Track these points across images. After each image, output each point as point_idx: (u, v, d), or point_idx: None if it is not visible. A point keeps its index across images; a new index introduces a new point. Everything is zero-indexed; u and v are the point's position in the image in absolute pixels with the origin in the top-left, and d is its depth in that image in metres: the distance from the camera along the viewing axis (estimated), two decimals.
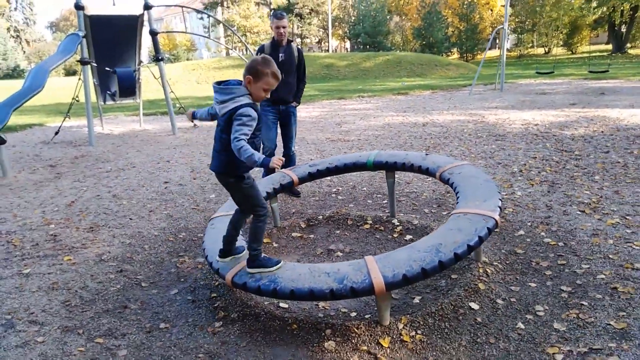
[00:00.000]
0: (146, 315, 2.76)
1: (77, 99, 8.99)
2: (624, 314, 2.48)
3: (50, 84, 9.32)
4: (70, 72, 47.77)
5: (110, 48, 9.25)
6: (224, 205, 3.65)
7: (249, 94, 2.43)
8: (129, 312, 2.79)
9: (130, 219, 4.47)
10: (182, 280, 3.21)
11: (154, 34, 9.45)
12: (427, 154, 3.87)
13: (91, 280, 3.21)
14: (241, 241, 2.87)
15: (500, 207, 2.83)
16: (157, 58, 9.66)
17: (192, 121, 3.05)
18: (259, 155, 2.34)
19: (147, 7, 9.22)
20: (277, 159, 2.36)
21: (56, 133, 9.19)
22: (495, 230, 2.76)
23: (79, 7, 8.31)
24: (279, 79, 2.49)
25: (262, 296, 2.69)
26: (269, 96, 2.52)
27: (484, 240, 2.60)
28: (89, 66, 8.68)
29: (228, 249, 2.76)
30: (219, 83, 2.47)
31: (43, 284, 3.14)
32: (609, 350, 2.19)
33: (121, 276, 3.27)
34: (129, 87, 9.28)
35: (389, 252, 2.59)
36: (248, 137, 2.37)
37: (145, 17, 9.41)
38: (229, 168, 2.51)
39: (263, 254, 2.63)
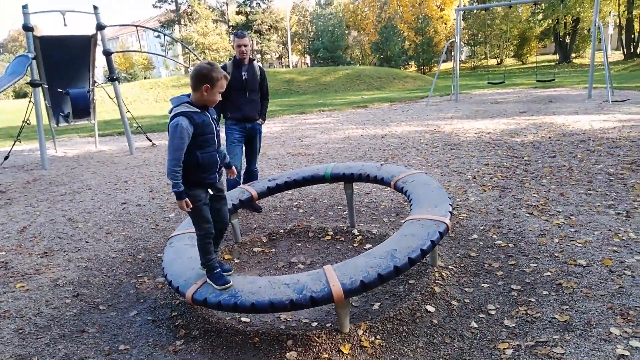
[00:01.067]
0: (105, 338, 2.71)
1: (28, 121, 8.70)
2: (567, 307, 2.63)
3: None
4: (20, 95, 46.03)
5: (63, 69, 9.04)
6: (182, 223, 3.63)
7: (189, 102, 2.47)
8: (86, 336, 2.73)
9: (87, 242, 4.36)
10: (142, 300, 3.16)
11: (107, 54, 9.31)
12: (382, 165, 3.99)
13: (46, 306, 3.12)
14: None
15: (451, 212, 2.95)
16: (111, 78, 9.50)
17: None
18: (179, 187, 2.43)
19: (100, 27, 9.09)
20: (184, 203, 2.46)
21: (6, 158, 8.85)
22: (448, 234, 2.87)
23: (27, 28, 8.11)
24: (228, 79, 2.54)
25: (223, 311, 2.70)
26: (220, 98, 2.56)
27: (437, 244, 2.72)
28: (40, 88, 8.45)
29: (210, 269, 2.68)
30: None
31: None
32: (553, 342, 2.32)
33: (78, 300, 3.19)
34: (83, 108, 9.07)
35: (347, 260, 2.66)
36: (182, 151, 2.39)
37: (99, 37, 9.27)
38: (184, 185, 2.51)
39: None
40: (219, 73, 2.47)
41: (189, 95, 2.51)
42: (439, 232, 2.72)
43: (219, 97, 2.52)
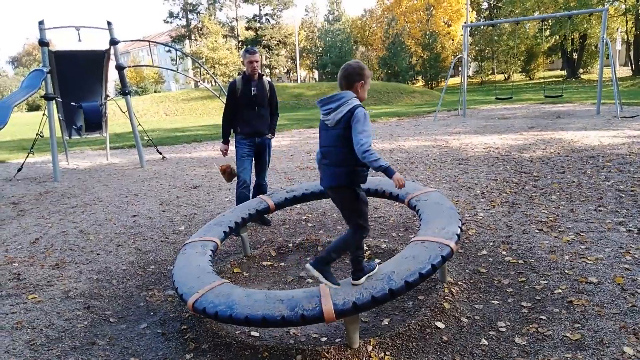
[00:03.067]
0: (115, 350, 2.72)
1: (41, 134, 8.85)
2: (579, 325, 2.61)
3: (12, 120, 9.14)
4: (33, 107, 46.82)
5: (76, 83, 9.21)
6: (198, 231, 3.67)
7: (356, 97, 2.54)
8: (97, 349, 2.75)
9: (98, 254, 4.40)
10: (152, 313, 3.18)
11: (120, 68, 9.47)
12: None
13: (57, 317, 3.15)
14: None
15: (458, 235, 2.89)
16: (124, 92, 9.65)
17: None
18: (384, 161, 2.40)
19: (114, 42, 9.27)
20: (400, 178, 2.45)
21: (19, 170, 8.98)
22: (455, 254, 2.82)
23: (43, 43, 8.29)
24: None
25: (219, 321, 2.69)
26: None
27: (438, 268, 2.62)
28: (53, 101, 8.61)
29: (360, 268, 2.62)
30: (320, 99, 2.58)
31: (6, 324, 3.06)
32: None
33: (88, 312, 3.22)
34: (96, 122, 9.21)
35: (345, 279, 2.67)
36: (370, 139, 2.41)
37: (112, 52, 9.45)
38: (349, 181, 2.51)
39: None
40: (368, 71, 2.60)
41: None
42: (442, 255, 2.65)
43: (366, 95, 2.61)
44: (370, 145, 2.37)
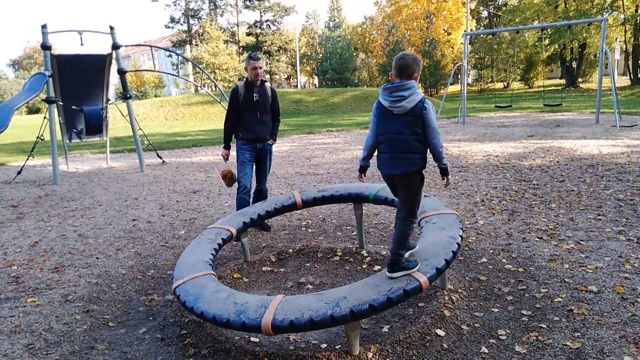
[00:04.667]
0: (114, 355, 2.71)
1: (42, 137, 8.85)
2: (579, 334, 2.62)
3: (13, 123, 9.15)
4: (33, 110, 46.85)
5: (78, 86, 9.23)
6: (222, 218, 3.92)
7: None
8: (95, 353, 2.74)
9: (97, 258, 4.40)
10: (151, 318, 3.18)
11: (122, 72, 9.50)
12: (426, 196, 3.63)
13: (56, 321, 3.14)
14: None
15: (439, 269, 2.64)
16: (125, 96, 9.67)
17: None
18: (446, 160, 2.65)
19: (116, 47, 9.30)
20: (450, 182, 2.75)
21: (19, 172, 8.98)
22: (418, 294, 2.57)
23: (45, 47, 8.32)
24: None
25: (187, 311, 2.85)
26: None
27: (395, 304, 2.48)
28: (54, 105, 8.62)
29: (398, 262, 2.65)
30: (385, 86, 2.65)
31: (4, 328, 3.05)
32: None
33: (88, 316, 3.21)
34: (96, 125, 9.21)
35: (300, 295, 2.72)
36: None
37: (114, 56, 9.48)
38: (421, 166, 2.62)
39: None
40: (421, 62, 2.70)
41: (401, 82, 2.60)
42: (405, 289, 2.46)
43: None
44: (442, 145, 2.62)
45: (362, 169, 2.95)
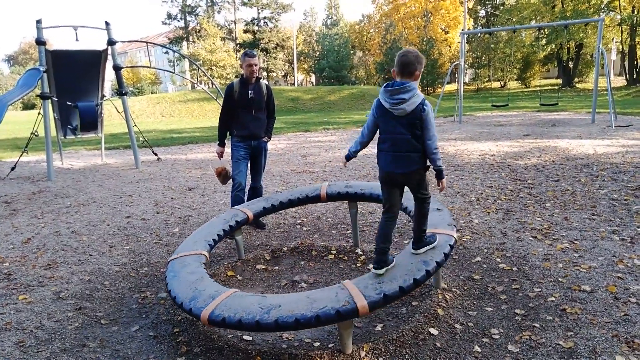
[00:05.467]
0: (106, 353, 2.70)
1: (36, 133, 8.80)
2: (572, 333, 2.62)
3: (7, 118, 9.09)
4: (28, 106, 46.58)
5: (73, 82, 9.16)
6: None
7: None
8: (87, 351, 2.72)
9: (90, 255, 4.37)
10: (144, 316, 3.16)
11: (117, 68, 9.45)
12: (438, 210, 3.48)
13: (48, 319, 3.11)
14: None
15: (387, 296, 2.45)
16: (120, 92, 9.62)
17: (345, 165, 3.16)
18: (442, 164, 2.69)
19: (111, 42, 9.25)
20: (445, 185, 2.80)
21: (12, 168, 8.92)
22: (356, 317, 2.42)
23: (40, 42, 8.26)
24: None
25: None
26: None
27: (324, 323, 2.39)
28: (49, 100, 8.57)
29: (385, 259, 2.72)
30: (385, 86, 2.65)
31: None
32: None
33: (80, 314, 3.18)
34: (91, 122, 9.16)
35: (249, 294, 2.71)
36: None
37: (109, 52, 9.42)
38: (423, 165, 2.69)
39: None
40: (423, 59, 2.71)
41: (402, 83, 2.60)
42: (338, 310, 2.33)
43: None
44: (437, 145, 2.67)
45: (349, 158, 3.07)
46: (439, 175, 2.71)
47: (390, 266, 2.71)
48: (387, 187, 2.83)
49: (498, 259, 3.78)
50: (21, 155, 9.33)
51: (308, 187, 4.34)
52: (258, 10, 48.38)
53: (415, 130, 2.61)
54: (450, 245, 2.89)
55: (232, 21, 49.00)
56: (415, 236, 2.86)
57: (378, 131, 2.81)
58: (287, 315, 2.34)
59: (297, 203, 4.20)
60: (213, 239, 3.50)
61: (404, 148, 2.64)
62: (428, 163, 2.72)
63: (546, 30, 32.68)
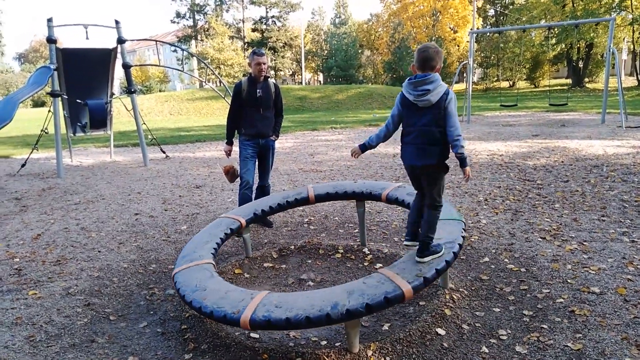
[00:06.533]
0: (114, 349, 2.72)
1: (46, 130, 8.88)
2: (580, 335, 2.60)
3: (17, 116, 9.18)
4: (38, 104, 47.00)
5: (82, 80, 9.23)
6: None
7: None
8: (96, 347, 2.74)
9: (99, 251, 4.41)
10: (152, 312, 3.18)
11: (127, 67, 9.50)
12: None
13: (57, 314, 3.15)
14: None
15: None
16: (129, 90, 9.68)
17: (359, 155, 3.02)
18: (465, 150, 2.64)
19: (121, 41, 9.30)
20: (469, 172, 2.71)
21: (23, 165, 9.01)
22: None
23: (51, 40, 8.33)
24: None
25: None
26: None
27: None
28: (59, 98, 8.64)
29: (415, 231, 2.90)
30: (409, 79, 2.66)
31: (6, 320, 3.06)
32: None
33: (89, 310, 3.21)
34: (100, 119, 9.23)
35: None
36: None
37: (119, 51, 9.48)
38: (443, 158, 2.67)
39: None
40: (441, 51, 2.69)
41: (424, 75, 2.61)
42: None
43: None
44: (461, 134, 2.61)
45: (365, 149, 2.95)
46: (462, 162, 2.66)
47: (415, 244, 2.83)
48: (412, 180, 2.89)
49: (506, 260, 3.76)
50: (31, 152, 9.41)
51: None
52: (266, 9, 48.46)
53: (439, 121, 2.60)
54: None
55: (240, 20, 49.14)
56: (420, 243, 2.77)
57: (402, 125, 2.80)
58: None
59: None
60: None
61: (427, 140, 2.64)
62: (447, 161, 2.70)
63: (556, 29, 32.39)
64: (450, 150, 2.69)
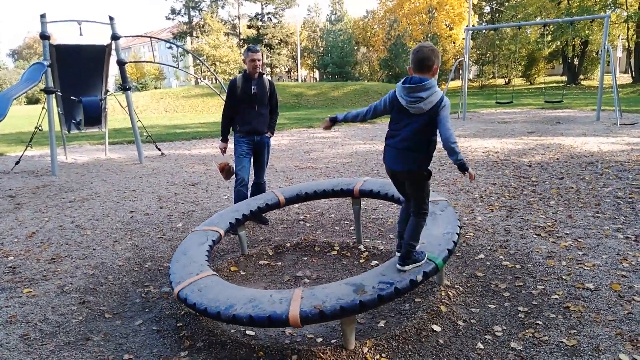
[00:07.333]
0: (109, 347, 2.71)
1: (40, 127, 8.82)
2: (575, 331, 2.61)
3: (11, 113, 9.12)
4: (32, 101, 46.70)
5: (77, 77, 9.17)
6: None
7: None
8: (91, 344, 2.73)
9: (94, 249, 4.39)
10: (147, 310, 3.17)
11: (121, 63, 9.45)
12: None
13: (52, 312, 3.13)
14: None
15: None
16: (124, 87, 9.63)
17: (329, 128, 2.94)
18: (463, 155, 2.51)
19: (115, 37, 9.24)
20: (473, 174, 2.56)
21: (17, 163, 8.95)
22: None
23: (44, 36, 8.27)
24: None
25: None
26: None
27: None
28: (53, 95, 8.58)
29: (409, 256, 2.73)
30: (403, 82, 2.53)
31: (0, 318, 3.04)
32: None
33: (84, 308, 3.20)
34: (95, 116, 9.18)
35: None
36: None
37: (113, 47, 9.42)
38: (424, 165, 2.59)
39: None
40: (439, 53, 2.57)
41: (420, 79, 2.50)
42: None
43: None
44: (455, 139, 2.49)
45: (334, 121, 2.89)
46: (462, 167, 2.53)
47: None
48: (396, 185, 2.83)
49: (501, 257, 3.77)
50: (25, 150, 9.36)
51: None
52: (262, 5, 48.24)
53: (428, 127, 2.50)
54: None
55: (235, 16, 48.90)
56: (403, 251, 2.65)
57: (388, 124, 2.69)
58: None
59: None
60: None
61: (412, 146, 2.54)
62: (430, 167, 2.62)
63: (551, 26, 32.46)
64: (431, 156, 2.62)
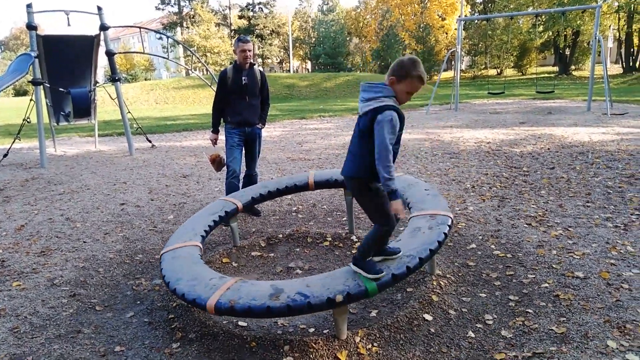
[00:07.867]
0: (100, 339, 2.70)
1: (28, 120, 8.70)
2: (564, 319, 2.64)
3: None
4: (20, 92, 46.06)
5: (65, 68, 9.04)
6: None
7: (395, 97, 2.32)
8: (82, 337, 2.72)
9: (84, 242, 4.35)
10: (139, 302, 3.16)
11: (110, 54, 9.33)
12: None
13: (42, 305, 3.11)
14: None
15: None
16: (113, 78, 9.51)
17: None
18: (395, 184, 2.23)
19: (104, 28, 9.11)
20: (400, 208, 2.27)
21: (5, 155, 8.83)
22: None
23: (31, 27, 8.12)
24: (425, 83, 2.34)
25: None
26: (410, 100, 2.39)
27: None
28: (41, 86, 8.46)
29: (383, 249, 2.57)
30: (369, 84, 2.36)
31: None
32: (550, 354, 2.33)
33: (74, 300, 3.18)
34: (84, 108, 9.06)
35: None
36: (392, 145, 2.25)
37: (102, 38, 9.29)
38: (366, 174, 2.37)
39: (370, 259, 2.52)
40: (415, 71, 2.28)
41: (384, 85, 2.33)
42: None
43: (407, 98, 2.35)
44: (389, 160, 2.24)
45: None
46: (390, 195, 2.25)
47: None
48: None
49: (492, 246, 3.79)
50: (13, 142, 9.23)
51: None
52: None
53: (366, 137, 2.33)
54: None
55: (226, 7, 48.44)
56: (357, 252, 2.51)
57: None
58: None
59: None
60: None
61: (352, 150, 2.44)
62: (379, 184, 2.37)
63: (543, 17, 32.49)
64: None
